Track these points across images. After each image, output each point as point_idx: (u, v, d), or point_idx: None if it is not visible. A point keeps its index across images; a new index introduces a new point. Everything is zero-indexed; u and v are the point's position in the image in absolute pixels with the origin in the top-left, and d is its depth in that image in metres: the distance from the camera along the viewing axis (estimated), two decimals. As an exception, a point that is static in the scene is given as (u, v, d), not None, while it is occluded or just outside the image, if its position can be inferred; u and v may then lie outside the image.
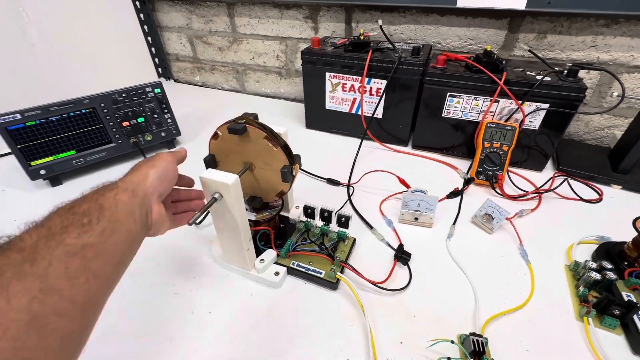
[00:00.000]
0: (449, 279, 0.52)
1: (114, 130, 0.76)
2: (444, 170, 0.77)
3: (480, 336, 0.41)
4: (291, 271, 0.52)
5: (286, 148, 0.45)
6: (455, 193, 0.68)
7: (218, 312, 0.48)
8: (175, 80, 1.35)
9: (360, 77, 0.79)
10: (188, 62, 1.27)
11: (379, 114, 0.83)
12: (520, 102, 0.67)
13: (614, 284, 0.47)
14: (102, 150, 0.76)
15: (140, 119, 0.79)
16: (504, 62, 0.68)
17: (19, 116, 0.65)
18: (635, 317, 0.43)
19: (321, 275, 0.50)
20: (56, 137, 0.70)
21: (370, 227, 0.61)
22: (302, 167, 0.77)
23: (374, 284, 0.49)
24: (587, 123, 0.83)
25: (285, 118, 1.02)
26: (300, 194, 0.65)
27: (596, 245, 0.56)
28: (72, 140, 0.72)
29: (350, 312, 0.47)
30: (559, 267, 0.53)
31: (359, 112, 0.85)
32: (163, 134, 0.83)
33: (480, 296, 0.49)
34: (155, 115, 0.81)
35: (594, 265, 0.49)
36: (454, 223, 0.62)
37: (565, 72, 0.66)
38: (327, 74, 0.83)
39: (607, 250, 0.53)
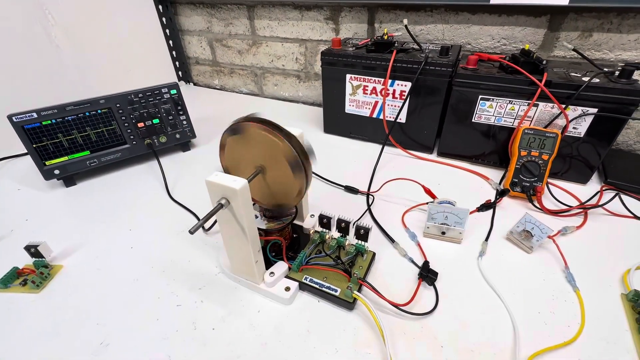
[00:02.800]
0: (482, 303, 0.45)
1: (129, 131, 0.75)
2: (473, 181, 0.71)
3: (524, 378, 0.34)
4: (303, 287, 0.47)
5: (291, 138, 0.41)
6: (487, 206, 0.61)
7: (222, 329, 0.43)
8: (194, 84, 1.35)
9: (382, 79, 0.74)
10: (207, 65, 1.27)
11: (402, 118, 0.78)
12: (564, 106, 0.60)
13: (687, 320, 0.39)
14: (116, 151, 0.75)
15: (156, 120, 0.77)
16: (544, 62, 0.62)
17: (35, 115, 0.65)
18: None
19: (336, 294, 0.45)
20: (71, 137, 0.69)
21: (392, 240, 0.55)
22: (318, 174, 0.73)
23: (396, 305, 0.43)
24: (639, 131, 0.74)
25: (302, 122, 0.98)
26: (316, 202, 0.61)
27: (658, 272, 0.48)
28: (86, 140, 0.71)
29: (368, 337, 0.42)
30: (614, 296, 0.46)
31: (381, 117, 0.80)
32: (178, 135, 0.81)
33: (520, 326, 0.42)
34: (170, 117, 0.79)
35: (660, 296, 0.41)
36: (487, 239, 0.55)
37: (617, 73, 0.58)
38: (348, 76, 0.78)
39: (675, 279, 0.45)
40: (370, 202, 0.64)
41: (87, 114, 0.70)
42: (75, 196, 0.70)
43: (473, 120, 0.70)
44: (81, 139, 0.71)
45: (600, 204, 0.60)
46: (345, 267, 0.48)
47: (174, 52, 1.26)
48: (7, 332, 0.44)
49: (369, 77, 0.76)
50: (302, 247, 0.52)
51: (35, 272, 0.50)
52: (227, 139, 0.42)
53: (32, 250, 0.50)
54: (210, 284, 0.50)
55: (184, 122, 0.82)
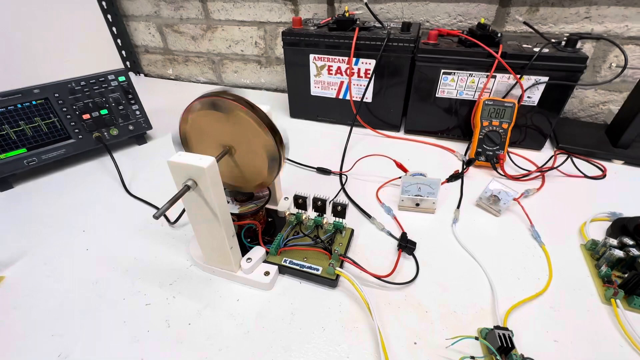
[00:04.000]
0: (460, 267, 0.47)
1: (73, 124, 0.67)
2: (440, 154, 0.73)
3: (506, 329, 0.36)
4: (283, 270, 0.45)
5: (267, 121, 0.39)
6: (456, 176, 0.63)
7: (199, 323, 0.40)
8: (145, 75, 1.25)
9: (347, 58, 0.73)
10: (159, 53, 1.18)
11: (369, 98, 0.78)
12: (519, 76, 0.63)
13: (637, 261, 0.43)
14: (59, 147, 0.67)
15: (104, 111, 0.70)
16: (499, 35, 0.64)
17: (-48, 108, 0.55)
18: (667, 295, 0.39)
19: (318, 272, 0.44)
20: (1, 134, 0.61)
21: (369, 216, 0.55)
22: (289, 158, 0.70)
23: (379, 277, 0.43)
24: (582, 100, 0.80)
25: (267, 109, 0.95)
26: (288, 186, 0.59)
27: (609, 222, 0.52)
28: (21, 136, 0.63)
29: (354, 312, 0.41)
30: (574, 247, 0.49)
31: (347, 97, 0.79)
32: (131, 127, 0.74)
33: (497, 284, 0.44)
34: (120, 107, 0.72)
35: (614, 242, 0.45)
36: (458, 207, 0.57)
37: (564, 42, 0.62)
38: (312, 56, 0.76)
39: (624, 226, 0.49)
40: (343, 182, 0.63)
41: (19, 105, 0.61)
42: (14, 201, 0.62)
43: (437, 96, 0.72)
44: (14, 135, 0.62)
45: (554, 166, 0.65)
46: (325, 245, 0.47)
47: (118, 41, 1.15)
48: (-62, 359, 0.37)
49: (333, 57, 0.75)
50: (279, 231, 0.50)
51: (-31, 287, 0.43)
52: (198, 110, 0.39)
53: (-38, 262, 0.43)
54: (182, 279, 0.46)
55: (137, 113, 0.75)
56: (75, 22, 1.00)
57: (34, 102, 0.62)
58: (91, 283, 0.45)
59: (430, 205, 0.56)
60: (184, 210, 0.55)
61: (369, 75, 0.74)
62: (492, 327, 0.36)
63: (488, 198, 0.56)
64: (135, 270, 0.47)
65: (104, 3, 1.07)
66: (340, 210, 0.47)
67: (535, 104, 0.66)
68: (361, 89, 0.77)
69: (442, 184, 0.62)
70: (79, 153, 0.70)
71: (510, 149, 0.72)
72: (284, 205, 0.54)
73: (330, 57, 0.75)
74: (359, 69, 0.75)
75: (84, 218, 0.57)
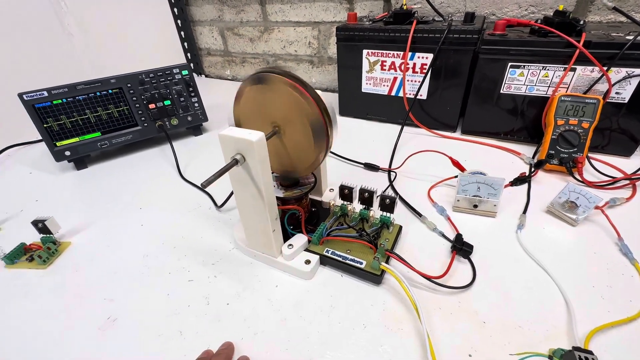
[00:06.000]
0: (526, 278, 0.40)
1: (140, 112, 0.73)
2: (503, 156, 0.66)
3: (589, 353, 0.29)
4: (325, 260, 0.43)
5: (318, 100, 0.37)
6: (522, 179, 0.56)
7: (237, 304, 0.40)
8: (206, 76, 1.34)
9: (402, 52, 0.70)
10: (219, 55, 1.25)
11: (423, 94, 0.74)
12: (606, 68, 0.55)
13: None
14: (127, 133, 0.73)
15: (167, 102, 0.75)
16: (581, 22, 0.57)
17: (45, 93, 0.63)
18: None
19: (362, 266, 0.41)
20: (82, 118, 0.68)
21: (419, 214, 0.51)
22: (336, 152, 0.69)
23: (429, 278, 0.39)
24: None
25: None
26: (334, 180, 0.57)
27: None
28: (97, 121, 0.70)
29: (399, 313, 0.37)
30: (680, 269, 0.40)
31: (400, 94, 0.76)
32: (190, 118, 0.79)
33: (574, 301, 0.37)
34: (182, 99, 0.77)
35: None
36: (524, 212, 0.50)
37: (666, 29, 0.53)
38: (365, 52, 0.75)
39: None
40: (392, 179, 0.60)
41: (98, 93, 0.68)
42: (87, 179, 0.68)
43: (502, 92, 0.65)
44: (92, 120, 0.69)
45: (650, 174, 0.54)
46: (371, 238, 0.44)
47: (185, 44, 1.25)
48: (14, 308, 0.41)
49: (388, 52, 0.72)
50: (322, 222, 0.48)
51: (42, 248, 0.47)
52: (246, 88, 0.39)
53: (40, 225, 0.48)
54: (224, 260, 0.46)
55: (196, 105, 0.79)
56: (151, 28, 1.11)
57: (109, 91, 0.69)
58: (142, 256, 0.48)
59: (491, 207, 0.50)
60: (230, 194, 0.56)
61: (425, 71, 0.71)
62: (571, 349, 0.30)
63: (563, 204, 0.48)
64: (182, 248, 0.48)
65: (175, 10, 1.17)
66: (388, 204, 0.44)
67: (626, 102, 0.57)
68: (415, 86, 0.73)
69: (505, 187, 0.55)
70: (143, 140, 0.75)
71: (589, 154, 0.62)
72: (329, 197, 0.52)
73: (385, 52, 0.73)
74: (414, 64, 0.71)
75: (141, 197, 0.61)
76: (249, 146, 0.33)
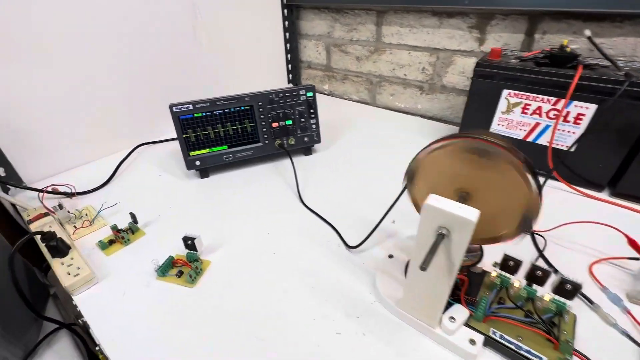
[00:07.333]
0: None
1: (264, 130, 0.75)
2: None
3: None
4: (490, 342, 0.39)
5: (532, 171, 0.33)
6: None
7: (395, 376, 0.37)
8: (302, 87, 1.36)
9: (554, 99, 0.63)
10: (319, 70, 1.26)
11: (569, 145, 0.65)
12: None
13: None
14: (249, 148, 0.75)
15: (289, 122, 0.76)
16: None
17: (191, 107, 0.67)
18: None
19: (542, 363, 0.36)
20: (215, 131, 0.71)
21: (590, 302, 0.44)
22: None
23: (636, 400, 0.33)
24: None
25: (422, 137, 0.90)
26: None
27: None
28: (227, 135, 0.72)
29: None
30: None
31: (539, 141, 0.68)
32: (306, 139, 0.79)
33: None
34: (302, 120, 0.77)
35: None
36: None
37: None
38: (505, 92, 0.68)
39: None
40: (542, 246, 0.53)
41: (233, 109, 0.71)
42: (209, 188, 0.71)
43: (684, 159, 0.55)
44: (222, 134, 0.72)
45: None
46: (547, 327, 0.38)
47: (288, 55, 1.27)
48: (170, 319, 0.43)
49: (535, 95, 0.65)
50: (473, 290, 0.44)
51: (190, 266, 0.49)
52: (449, 147, 0.36)
53: (189, 242, 0.50)
54: (368, 314, 0.44)
55: (313, 126, 0.79)
56: (262, 38, 1.15)
57: (242, 107, 0.71)
58: (282, 290, 0.47)
59: (689, 310, 0.41)
60: (368, 236, 0.53)
61: (580, 122, 0.62)
62: None
63: None
64: (320, 291, 0.47)
65: (286, 23, 1.20)
66: (569, 290, 0.38)
67: None
68: (562, 135, 0.65)
69: (696, 281, 0.46)
70: (262, 156, 0.77)
71: None
72: (483, 262, 0.47)
73: (531, 94, 0.66)
74: (567, 112, 0.63)
75: (265, 219, 0.61)
76: (464, 224, 0.30)
